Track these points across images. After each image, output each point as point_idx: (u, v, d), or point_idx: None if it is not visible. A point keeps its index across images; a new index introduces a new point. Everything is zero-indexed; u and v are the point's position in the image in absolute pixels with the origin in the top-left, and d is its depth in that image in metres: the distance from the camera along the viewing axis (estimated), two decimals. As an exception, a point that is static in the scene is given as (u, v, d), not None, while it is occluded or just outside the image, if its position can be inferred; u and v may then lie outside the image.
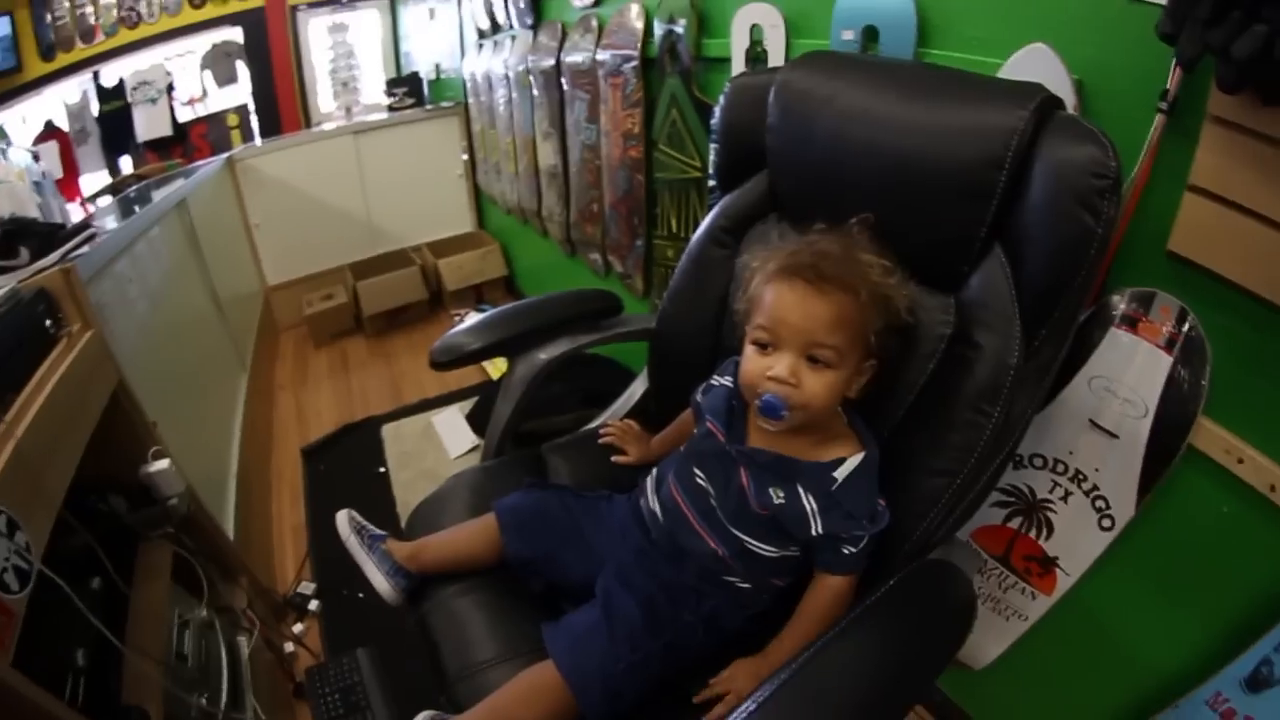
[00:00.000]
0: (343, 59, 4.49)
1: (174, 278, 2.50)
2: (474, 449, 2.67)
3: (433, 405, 3.12)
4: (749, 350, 0.98)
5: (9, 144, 3.09)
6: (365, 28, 4.57)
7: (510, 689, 1.00)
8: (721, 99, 1.26)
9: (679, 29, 1.76)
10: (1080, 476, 1.14)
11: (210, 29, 4.28)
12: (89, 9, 3.96)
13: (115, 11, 4.02)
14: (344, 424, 3.09)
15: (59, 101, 4.09)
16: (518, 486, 1.26)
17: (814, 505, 0.96)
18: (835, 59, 1.14)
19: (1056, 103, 0.90)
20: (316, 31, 4.46)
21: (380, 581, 1.22)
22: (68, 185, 4.05)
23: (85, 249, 1.65)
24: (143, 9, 4.08)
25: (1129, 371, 1.04)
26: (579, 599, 1.10)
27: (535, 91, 2.68)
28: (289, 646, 2.01)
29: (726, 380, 1.09)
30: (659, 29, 1.85)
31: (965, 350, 0.95)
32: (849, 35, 1.34)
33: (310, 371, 3.71)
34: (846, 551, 0.96)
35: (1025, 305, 0.90)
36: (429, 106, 4.13)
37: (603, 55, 2.10)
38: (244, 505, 2.30)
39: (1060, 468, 1.17)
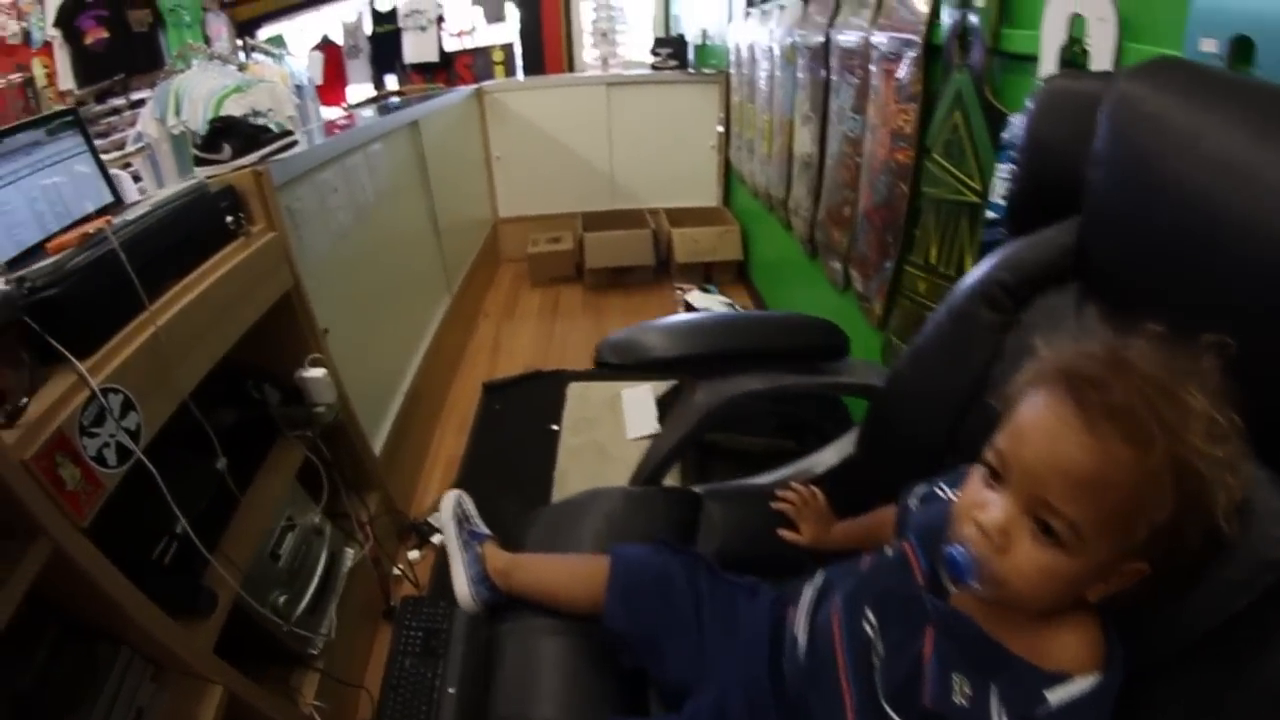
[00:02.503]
0: (604, 10, 4.72)
1: (390, 194, 2.72)
2: (653, 436, 2.64)
3: (626, 377, 3.13)
4: (975, 471, 0.73)
5: (284, 51, 3.52)
6: None
7: None
8: (1030, 104, 1.00)
9: (973, 14, 1.51)
10: None
11: None
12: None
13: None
14: (533, 369, 3.26)
15: (336, 19, 5.02)
16: (658, 527, 1.18)
17: None
18: (1204, 76, 0.80)
19: None
20: None
21: (462, 584, 1.18)
22: (332, 92, 4.92)
23: (287, 154, 1.84)
24: (419, -56, 4.72)
25: None
26: (669, 701, 0.99)
27: (799, 70, 2.62)
28: (398, 569, 2.18)
29: (956, 496, 0.81)
30: (947, 12, 1.60)
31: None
32: (1210, 46, 0.98)
33: (519, 307, 3.97)
34: None
35: None
36: (691, 71, 4.23)
37: (878, 37, 1.91)
38: (404, 423, 2.50)
39: None
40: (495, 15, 4.93)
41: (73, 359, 1.08)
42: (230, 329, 1.52)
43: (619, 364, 1.34)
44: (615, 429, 2.77)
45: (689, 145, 4.26)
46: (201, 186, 1.57)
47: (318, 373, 1.82)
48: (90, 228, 1.23)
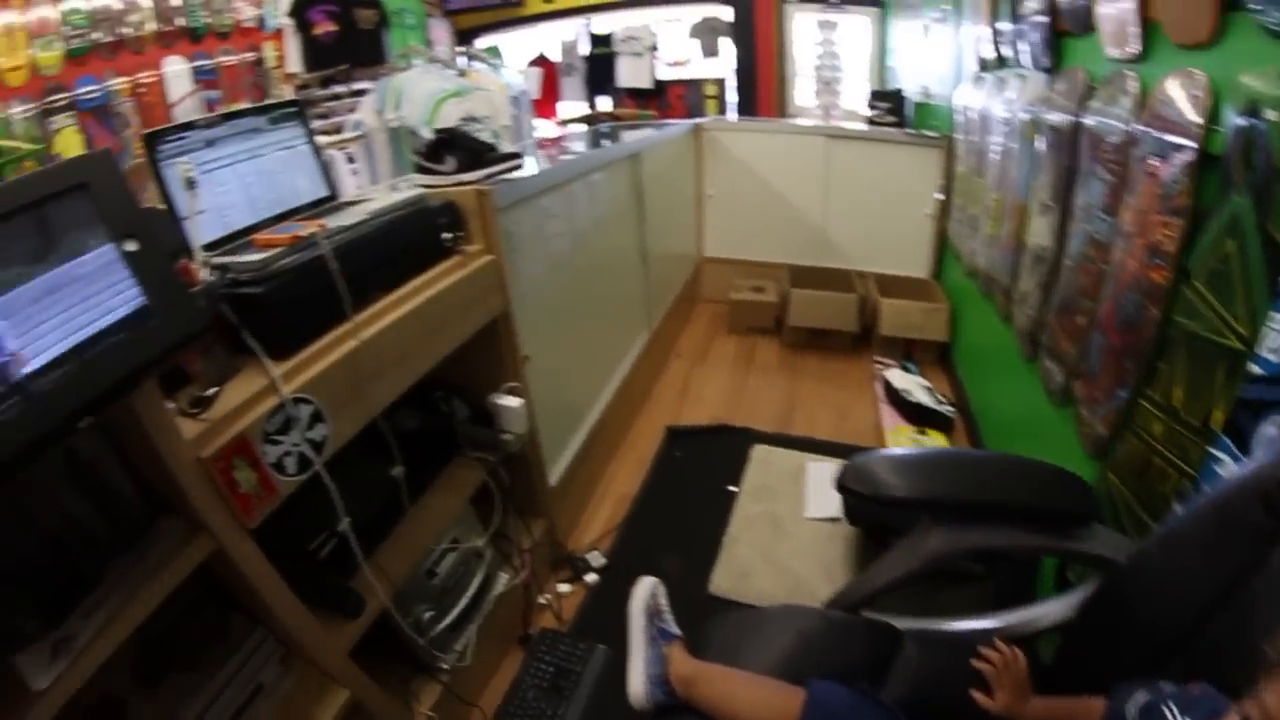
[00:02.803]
0: (827, 58, 4.65)
1: (605, 224, 2.71)
2: (833, 520, 2.47)
3: (816, 449, 2.96)
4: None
5: (501, 62, 3.67)
6: (853, 32, 4.69)
7: None
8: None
9: (1262, 124, 1.25)
10: None
11: (698, 3, 4.97)
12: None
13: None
14: (720, 422, 3.15)
15: (553, 37, 5.35)
16: (853, 662, 1.13)
17: None
18: None
19: None
20: (803, 25, 4.74)
21: (638, 679, 1.16)
22: (545, 107, 5.16)
23: (513, 175, 1.82)
24: (639, -27, 4.97)
25: None
26: None
27: (1040, 148, 2.34)
28: (544, 598, 2.14)
29: None
30: (1231, 118, 1.32)
31: None
32: None
33: (713, 353, 3.88)
34: None
35: None
36: (910, 131, 3.98)
37: (1141, 130, 1.65)
38: (582, 454, 2.47)
39: None
40: (711, 50, 5.00)
41: (267, 362, 1.08)
42: (433, 350, 1.51)
43: (862, 494, 1.32)
44: (795, 503, 2.60)
45: (904, 210, 3.98)
46: (421, 199, 1.56)
47: (513, 402, 1.80)
48: (303, 230, 1.23)
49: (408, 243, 1.47)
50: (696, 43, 5.03)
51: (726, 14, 4.90)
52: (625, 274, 3.06)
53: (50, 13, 3.47)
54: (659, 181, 3.35)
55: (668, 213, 3.60)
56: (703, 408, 3.29)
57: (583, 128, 4.23)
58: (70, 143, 3.57)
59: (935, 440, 2.83)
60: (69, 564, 1.01)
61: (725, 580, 2.20)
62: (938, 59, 3.66)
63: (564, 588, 2.21)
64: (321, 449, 1.16)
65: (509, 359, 1.83)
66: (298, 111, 1.59)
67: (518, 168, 1.89)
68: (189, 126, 1.35)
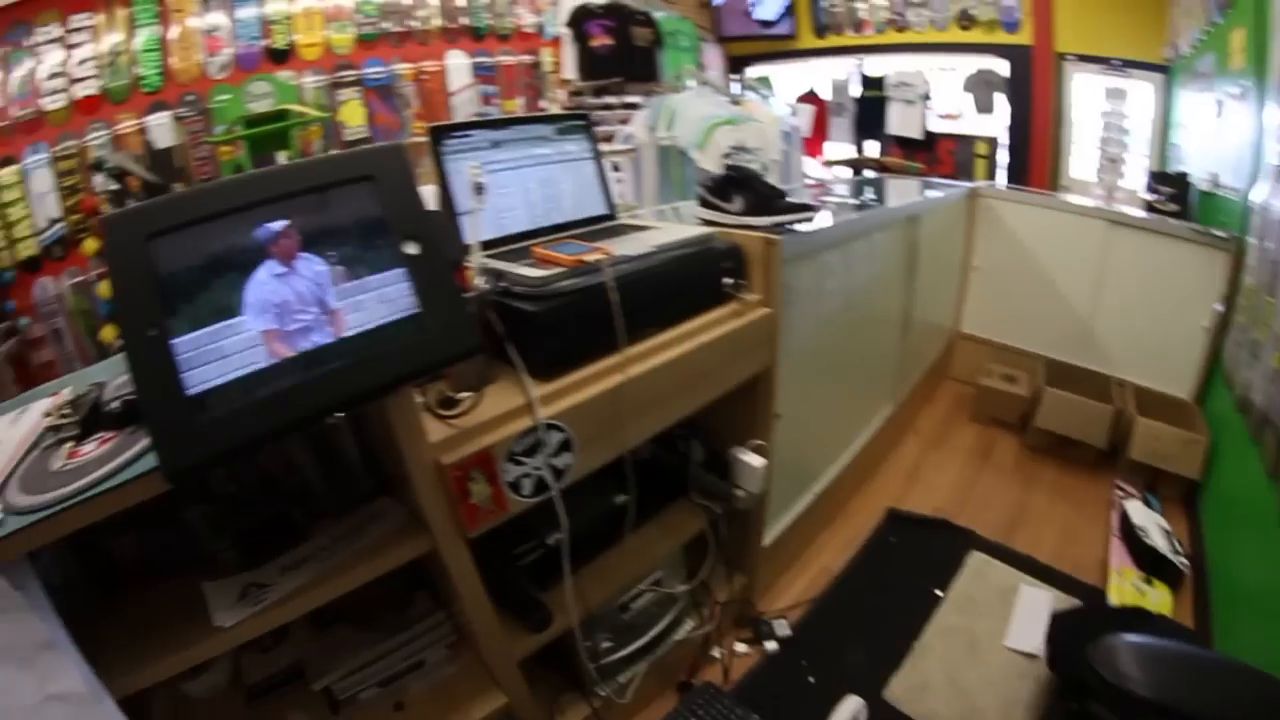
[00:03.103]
0: (1114, 131, 4.15)
1: (876, 286, 2.57)
2: (1031, 656, 2.20)
3: (1034, 571, 2.65)
4: None
5: (771, 93, 3.60)
6: (1137, 101, 4.17)
7: None
8: None
9: None
10: None
11: (974, 53, 4.63)
12: (862, 4, 5.02)
13: (887, 13, 4.93)
14: (944, 517, 2.90)
15: (823, 74, 5.25)
16: None
17: None
18: None
19: None
20: (1083, 88, 4.32)
21: None
22: (813, 145, 5.06)
23: (801, 227, 1.71)
24: (912, 17, 4.78)
25: None
26: None
27: None
28: (717, 652, 2.05)
29: None
30: None
31: None
32: None
33: (949, 438, 3.61)
34: None
35: None
36: (1194, 226, 3.33)
37: None
38: (800, 520, 2.37)
39: None
40: (985, 105, 4.66)
41: (529, 381, 1.05)
42: (695, 398, 1.45)
43: (1107, 681, 1.26)
44: (998, 626, 2.33)
45: (1176, 317, 3.38)
46: (709, 239, 1.50)
47: (755, 460, 1.71)
48: (588, 255, 1.21)
49: (689, 283, 1.42)
50: (970, 96, 4.71)
51: (1003, 68, 4.55)
52: (883, 341, 2.90)
53: (345, 1, 4.06)
54: (931, 246, 3.15)
55: (933, 280, 3.38)
56: (928, 496, 3.05)
57: (848, 171, 4.08)
58: (354, 114, 4.10)
59: (1160, 593, 2.46)
60: (281, 511, 1.03)
61: (901, 689, 2.01)
62: (1233, 143, 3.02)
63: (741, 647, 2.10)
64: (562, 477, 1.13)
65: (760, 415, 1.74)
66: (585, 126, 1.59)
67: (808, 220, 1.79)
68: (475, 125, 1.38)
